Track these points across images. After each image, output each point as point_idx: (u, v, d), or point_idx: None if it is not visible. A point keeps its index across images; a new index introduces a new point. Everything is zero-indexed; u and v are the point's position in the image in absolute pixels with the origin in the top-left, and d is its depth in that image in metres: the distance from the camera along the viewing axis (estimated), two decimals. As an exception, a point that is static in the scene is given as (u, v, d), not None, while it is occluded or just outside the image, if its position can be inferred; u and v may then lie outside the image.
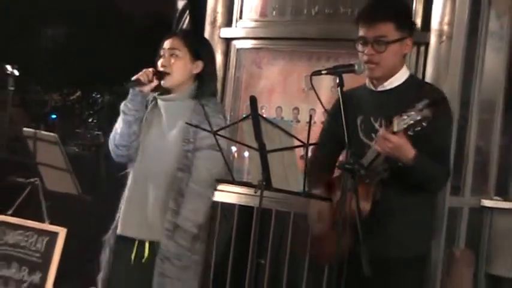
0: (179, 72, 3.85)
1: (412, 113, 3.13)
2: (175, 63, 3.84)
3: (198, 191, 3.74)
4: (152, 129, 3.88)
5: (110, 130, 4.04)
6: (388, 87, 3.57)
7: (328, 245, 3.39)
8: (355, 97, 3.66)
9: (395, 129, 3.20)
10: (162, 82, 3.84)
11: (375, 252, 3.35)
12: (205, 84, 3.88)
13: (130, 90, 3.85)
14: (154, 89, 3.91)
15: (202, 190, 3.75)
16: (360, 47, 3.56)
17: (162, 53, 3.89)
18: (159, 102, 3.91)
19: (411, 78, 3.65)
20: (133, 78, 3.79)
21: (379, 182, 3.42)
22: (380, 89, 3.58)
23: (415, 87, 3.52)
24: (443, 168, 3.47)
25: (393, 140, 3.22)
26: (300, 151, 3.96)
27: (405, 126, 3.16)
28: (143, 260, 3.79)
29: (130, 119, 3.84)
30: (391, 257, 3.47)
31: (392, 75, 3.56)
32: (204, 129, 3.68)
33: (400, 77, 3.57)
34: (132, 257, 3.81)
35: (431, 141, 3.35)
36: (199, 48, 3.91)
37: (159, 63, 3.87)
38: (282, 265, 4.72)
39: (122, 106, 3.89)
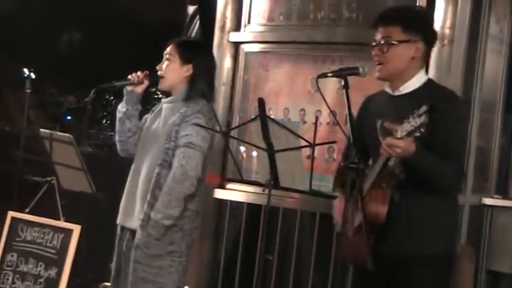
0: (170, 75, 4.05)
1: (412, 119, 3.18)
2: (168, 67, 4.05)
3: (171, 186, 3.87)
4: (150, 128, 4.09)
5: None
6: (404, 92, 3.55)
7: (353, 246, 3.43)
8: (375, 102, 3.72)
9: (398, 135, 3.24)
10: (158, 85, 4.10)
11: (397, 251, 3.46)
12: (193, 86, 4.05)
13: (124, 91, 4.09)
14: (163, 92, 4.11)
15: (174, 185, 3.87)
16: (372, 50, 3.60)
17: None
18: (163, 105, 4.11)
19: (429, 82, 3.61)
20: (128, 77, 4.07)
21: (397, 185, 3.44)
22: (396, 93, 3.59)
23: (430, 92, 3.49)
24: (453, 165, 3.43)
25: (400, 144, 3.25)
26: (307, 151, 4.06)
27: (406, 132, 3.20)
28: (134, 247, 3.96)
29: (121, 116, 4.09)
30: (413, 256, 3.46)
31: (406, 79, 3.56)
32: (214, 130, 3.89)
33: (417, 81, 3.55)
34: (124, 243, 4.03)
35: (439, 140, 3.37)
36: (190, 53, 4.07)
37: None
38: (289, 261, 4.83)
39: (119, 105, 4.14)
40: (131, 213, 3.99)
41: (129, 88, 4.08)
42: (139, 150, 4.09)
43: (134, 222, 3.96)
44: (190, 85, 4.04)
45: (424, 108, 3.14)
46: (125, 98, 4.10)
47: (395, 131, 3.26)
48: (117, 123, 4.14)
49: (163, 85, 4.08)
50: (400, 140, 3.24)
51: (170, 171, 3.88)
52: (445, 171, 3.42)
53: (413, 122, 3.17)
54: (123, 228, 4.07)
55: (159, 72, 4.06)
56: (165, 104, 4.10)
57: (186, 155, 3.88)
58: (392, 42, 3.51)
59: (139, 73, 4.07)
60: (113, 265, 4.11)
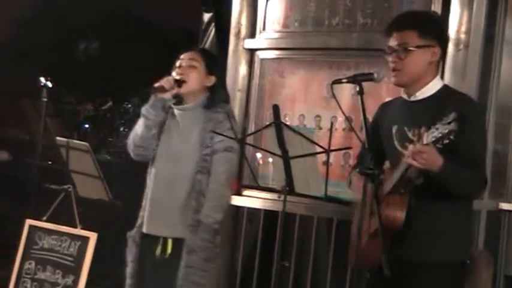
0: (195, 82, 4.07)
1: (441, 126, 3.13)
2: (193, 72, 4.07)
3: (218, 191, 3.97)
4: (172, 136, 4.10)
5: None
6: (420, 97, 3.53)
7: (369, 251, 3.43)
8: (391, 107, 3.71)
9: (425, 141, 3.20)
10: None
11: (411, 257, 3.45)
12: (215, 95, 4.11)
13: (152, 96, 4.07)
14: (173, 96, 4.11)
15: (221, 189, 3.99)
16: (387, 56, 3.58)
17: (180, 63, 4.11)
18: (176, 111, 4.13)
19: (445, 88, 3.59)
20: (157, 84, 4.02)
21: (414, 189, 3.42)
22: (412, 99, 3.56)
23: (447, 98, 3.45)
24: (476, 174, 3.42)
25: (426, 151, 3.21)
26: (322, 157, 4.06)
27: (434, 139, 3.16)
28: (166, 256, 4.02)
29: (150, 124, 4.07)
30: (427, 261, 3.45)
31: (422, 85, 3.54)
32: (230, 137, 3.91)
33: (433, 87, 3.53)
34: (157, 253, 4.05)
35: (462, 149, 3.33)
36: (213, 65, 4.14)
37: (177, 71, 4.09)
38: (306, 267, 4.83)
39: (143, 110, 4.11)
40: (165, 221, 4.03)
41: (158, 95, 4.05)
42: (162, 159, 4.10)
43: (170, 230, 4.02)
44: (212, 94, 4.10)
45: (453, 115, 3.11)
46: (152, 105, 4.07)
47: (421, 137, 3.24)
48: (143, 129, 4.09)
49: (185, 90, 4.07)
50: (425, 146, 3.20)
51: (209, 176, 3.97)
52: (469, 182, 3.41)
53: (442, 129, 3.13)
54: (146, 236, 4.09)
55: (181, 77, 4.05)
56: (178, 111, 4.11)
57: (227, 160, 4.00)
58: (410, 48, 3.49)
59: (170, 78, 4.05)
60: (130, 273, 4.12)
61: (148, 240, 4.09)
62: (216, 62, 4.25)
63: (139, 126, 4.12)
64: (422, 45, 3.50)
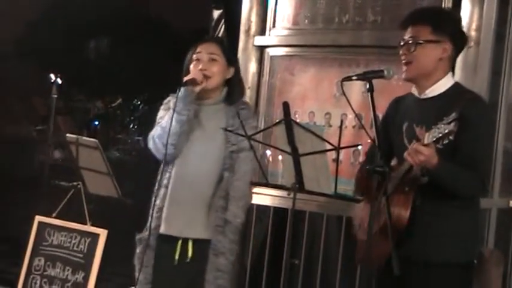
0: (218, 76, 3.97)
1: (441, 126, 3.13)
2: (215, 66, 3.96)
3: (244, 190, 3.93)
4: (194, 132, 3.96)
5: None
6: (430, 95, 3.53)
7: (375, 249, 3.40)
8: (402, 104, 3.70)
9: (425, 141, 3.21)
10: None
11: (416, 256, 3.44)
12: (235, 89, 4.03)
13: (183, 90, 3.87)
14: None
15: (246, 188, 3.94)
16: (399, 49, 3.58)
17: (198, 56, 3.99)
18: (195, 107, 3.96)
19: (456, 86, 3.58)
20: (189, 77, 3.89)
21: (419, 188, 3.42)
22: (423, 96, 3.54)
23: (456, 96, 3.43)
24: (475, 175, 3.39)
25: (425, 152, 3.21)
26: (332, 155, 4.05)
27: (434, 139, 3.16)
28: (187, 259, 3.89)
29: (183, 119, 3.87)
30: (432, 261, 3.45)
31: (432, 82, 3.53)
32: (239, 134, 3.83)
33: (443, 85, 3.52)
34: (177, 255, 3.90)
35: (463, 149, 3.35)
36: (232, 56, 4.08)
37: (198, 66, 3.96)
38: (316, 265, 4.81)
39: (175, 106, 3.86)
40: (187, 221, 3.90)
41: (190, 88, 3.88)
42: (184, 157, 3.95)
43: (192, 230, 3.89)
44: (231, 87, 4.02)
45: (453, 116, 3.11)
46: (184, 99, 3.86)
47: (422, 136, 3.24)
48: (175, 125, 3.84)
49: (210, 85, 3.95)
50: (425, 147, 3.21)
51: (233, 174, 3.89)
52: (467, 183, 3.40)
53: (442, 129, 3.13)
54: (167, 238, 3.92)
55: (207, 72, 3.93)
56: (199, 107, 3.96)
57: (252, 158, 3.92)
58: (420, 41, 3.49)
59: (199, 70, 3.92)
60: (146, 278, 3.94)
61: (165, 242, 3.93)
62: (233, 52, 4.19)
63: (167, 123, 3.87)
64: (433, 40, 3.50)
